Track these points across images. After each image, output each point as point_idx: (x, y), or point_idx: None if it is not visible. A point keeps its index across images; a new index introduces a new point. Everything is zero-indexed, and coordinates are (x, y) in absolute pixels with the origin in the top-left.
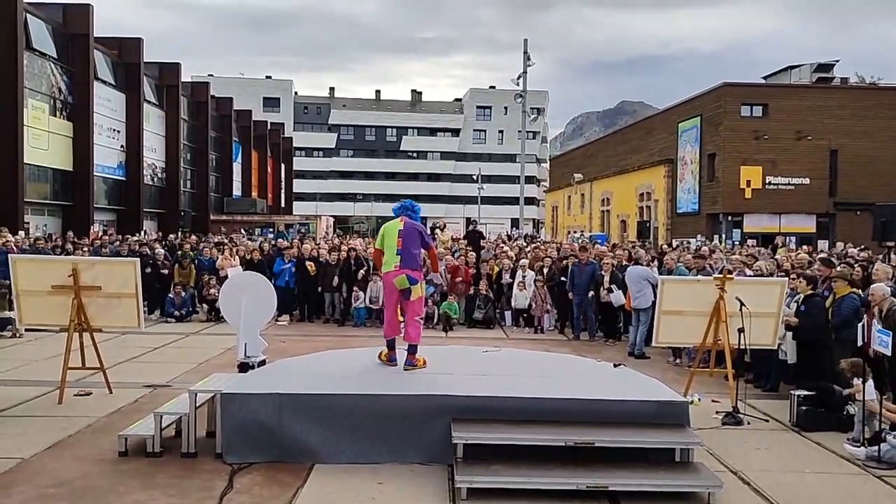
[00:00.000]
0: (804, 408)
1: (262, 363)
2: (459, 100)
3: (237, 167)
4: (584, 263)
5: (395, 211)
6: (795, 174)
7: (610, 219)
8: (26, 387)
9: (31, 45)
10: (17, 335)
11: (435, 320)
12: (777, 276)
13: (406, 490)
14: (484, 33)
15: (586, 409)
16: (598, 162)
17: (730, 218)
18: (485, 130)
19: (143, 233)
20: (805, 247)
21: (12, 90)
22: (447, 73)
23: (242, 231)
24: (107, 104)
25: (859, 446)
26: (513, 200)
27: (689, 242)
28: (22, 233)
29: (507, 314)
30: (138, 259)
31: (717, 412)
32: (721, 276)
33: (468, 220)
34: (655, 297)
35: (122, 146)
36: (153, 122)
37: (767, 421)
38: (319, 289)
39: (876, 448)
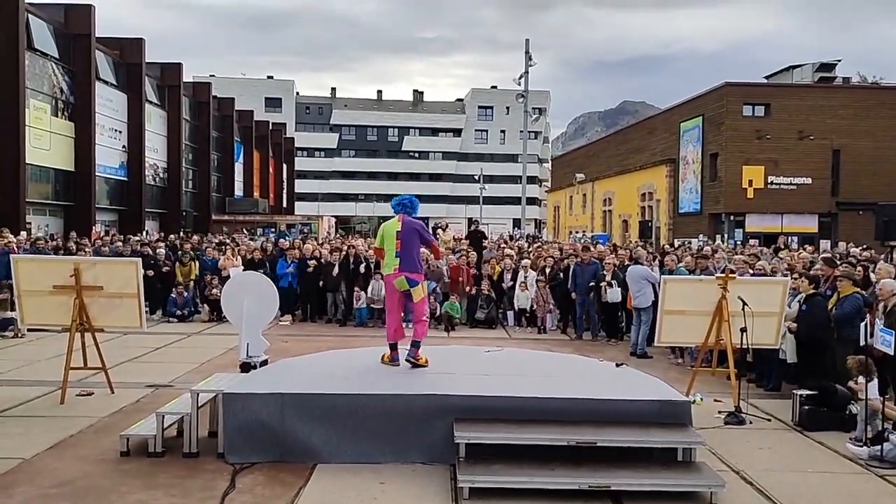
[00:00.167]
0: (807, 407)
1: (265, 363)
2: (461, 100)
3: (239, 167)
4: (586, 263)
5: (394, 207)
6: (797, 174)
7: (612, 219)
8: (28, 387)
9: (33, 45)
10: (19, 335)
11: (437, 320)
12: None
13: (408, 490)
14: (485, 33)
15: (589, 409)
16: (599, 162)
17: (732, 218)
18: (486, 130)
19: (144, 233)
20: (808, 247)
21: (14, 90)
22: (448, 73)
23: (244, 231)
24: (108, 104)
25: (862, 446)
26: (515, 200)
27: (690, 242)
28: (24, 233)
29: (510, 314)
30: (140, 259)
31: (719, 412)
32: (723, 275)
33: (470, 221)
34: (655, 296)
35: (123, 146)
36: (155, 122)
37: (770, 420)
38: (321, 283)
39: (878, 447)
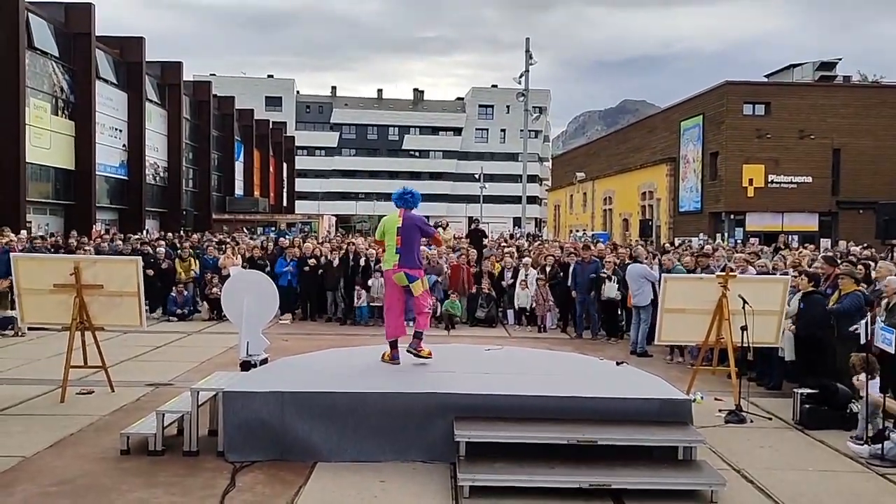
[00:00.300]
0: (807, 406)
1: (265, 361)
2: (461, 99)
3: (239, 166)
4: (587, 262)
5: (395, 201)
6: (798, 173)
7: (612, 218)
8: (28, 385)
9: (33, 44)
10: (20, 334)
11: (438, 319)
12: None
13: (408, 488)
14: (485, 33)
15: (589, 408)
16: (600, 161)
17: (732, 217)
18: (487, 129)
19: (145, 232)
20: (810, 245)
21: (14, 89)
22: (449, 72)
23: (245, 230)
24: (109, 103)
25: (863, 444)
26: (515, 199)
27: (691, 241)
28: (24, 232)
29: (510, 313)
30: (140, 257)
31: (720, 410)
32: (724, 274)
33: (470, 219)
34: (654, 294)
35: (124, 145)
36: (155, 121)
37: (770, 419)
38: (322, 278)
39: (879, 446)
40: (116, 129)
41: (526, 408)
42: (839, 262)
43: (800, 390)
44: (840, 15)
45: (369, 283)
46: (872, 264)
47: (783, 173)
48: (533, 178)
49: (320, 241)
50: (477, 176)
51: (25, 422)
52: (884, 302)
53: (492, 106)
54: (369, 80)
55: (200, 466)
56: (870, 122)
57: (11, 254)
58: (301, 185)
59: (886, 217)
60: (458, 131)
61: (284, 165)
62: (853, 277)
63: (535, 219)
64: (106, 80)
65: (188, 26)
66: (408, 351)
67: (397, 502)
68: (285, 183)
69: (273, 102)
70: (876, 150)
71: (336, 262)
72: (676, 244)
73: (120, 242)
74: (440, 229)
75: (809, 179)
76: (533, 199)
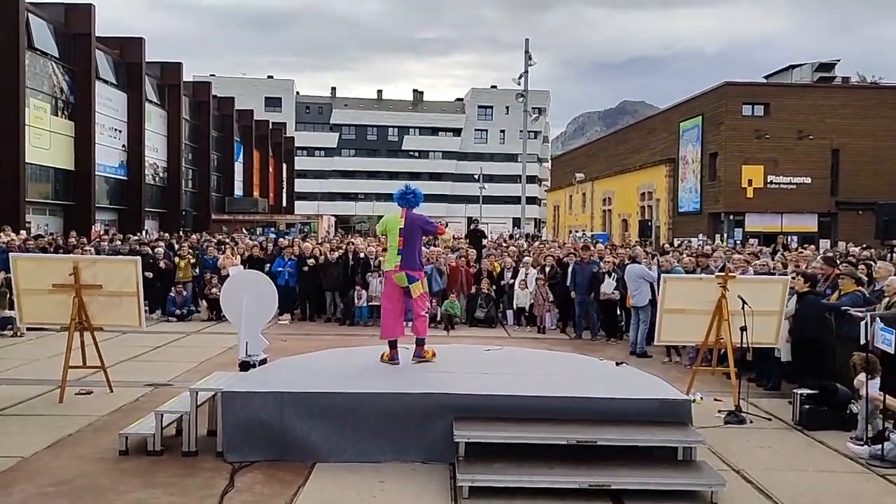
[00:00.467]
0: (807, 406)
1: (264, 362)
2: (461, 99)
3: (239, 167)
4: (586, 262)
5: (397, 200)
6: (797, 173)
7: (611, 218)
8: (27, 385)
9: (33, 44)
10: (18, 334)
11: (437, 319)
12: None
13: (408, 488)
14: (485, 33)
15: (588, 408)
16: (599, 161)
17: (731, 217)
18: (486, 130)
19: (144, 232)
20: (811, 246)
21: (14, 90)
22: (448, 72)
23: (244, 231)
24: (108, 104)
25: (862, 445)
26: (514, 200)
27: (690, 242)
28: (24, 232)
29: (509, 313)
30: (139, 257)
31: (719, 411)
32: (723, 274)
33: (470, 220)
34: (653, 295)
35: (123, 146)
36: (155, 121)
37: (770, 420)
38: (321, 279)
39: (879, 446)
40: (116, 130)
41: (525, 408)
42: (839, 262)
43: (799, 391)
44: (839, 16)
45: (368, 278)
46: (873, 265)
47: (782, 174)
48: (532, 179)
49: (319, 241)
50: (476, 176)
51: (24, 422)
52: (884, 302)
53: (491, 107)
54: (369, 80)
55: (199, 467)
56: (869, 123)
57: (10, 254)
58: (300, 185)
59: (886, 217)
60: (457, 132)
61: (284, 166)
62: (854, 278)
63: (535, 219)
64: (106, 81)
65: (188, 27)
66: (413, 361)
67: (396, 503)
68: (285, 183)
69: (273, 103)
70: (875, 150)
71: (335, 263)
72: (676, 245)
73: (118, 243)
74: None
75: (808, 180)
76: (532, 200)
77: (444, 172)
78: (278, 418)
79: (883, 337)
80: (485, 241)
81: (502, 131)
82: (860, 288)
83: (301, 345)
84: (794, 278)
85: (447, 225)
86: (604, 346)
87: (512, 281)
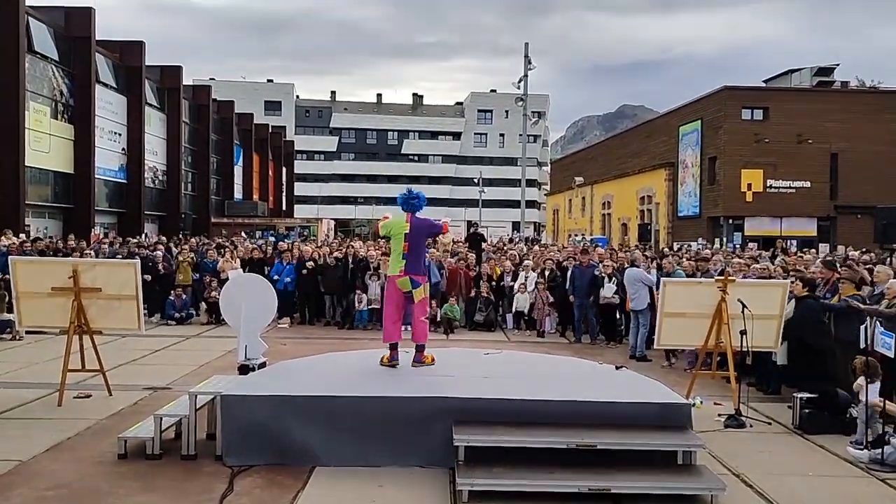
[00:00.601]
0: (807, 410)
1: (263, 365)
2: (460, 103)
3: (238, 170)
4: (585, 266)
5: (401, 205)
6: (796, 177)
7: (611, 222)
8: (26, 389)
9: (33, 48)
10: (17, 337)
11: (437, 321)
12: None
13: (407, 493)
14: (485, 38)
15: (588, 412)
16: (598, 165)
17: (731, 221)
18: (486, 134)
19: (144, 236)
20: (812, 250)
21: (14, 93)
22: (448, 77)
23: (243, 234)
24: (108, 107)
25: (862, 449)
26: (514, 204)
27: (690, 246)
28: (23, 235)
29: (509, 317)
30: (138, 260)
31: (719, 415)
32: (723, 278)
33: (469, 223)
34: (651, 298)
35: (123, 149)
36: (154, 125)
37: (770, 424)
38: (320, 282)
39: (879, 451)
40: (116, 133)
41: (525, 412)
42: (838, 266)
43: (799, 395)
44: (838, 21)
45: (367, 281)
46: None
47: (781, 178)
48: (532, 183)
49: (319, 244)
50: (476, 180)
51: (23, 425)
52: (883, 304)
53: (491, 110)
54: (369, 84)
55: (198, 470)
56: (868, 127)
57: (10, 257)
58: (300, 189)
59: (885, 221)
60: (457, 136)
61: (283, 169)
62: (854, 281)
63: (534, 223)
64: (106, 84)
65: (188, 30)
66: (413, 365)
67: None
68: (284, 187)
69: (272, 107)
70: (874, 154)
71: (334, 266)
72: (675, 248)
73: (116, 246)
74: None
75: (808, 184)
76: (532, 204)
77: (443, 176)
78: (277, 422)
79: (883, 341)
80: (484, 245)
81: (502, 135)
82: (860, 293)
83: (300, 348)
84: (792, 282)
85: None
86: (603, 350)
87: (511, 284)
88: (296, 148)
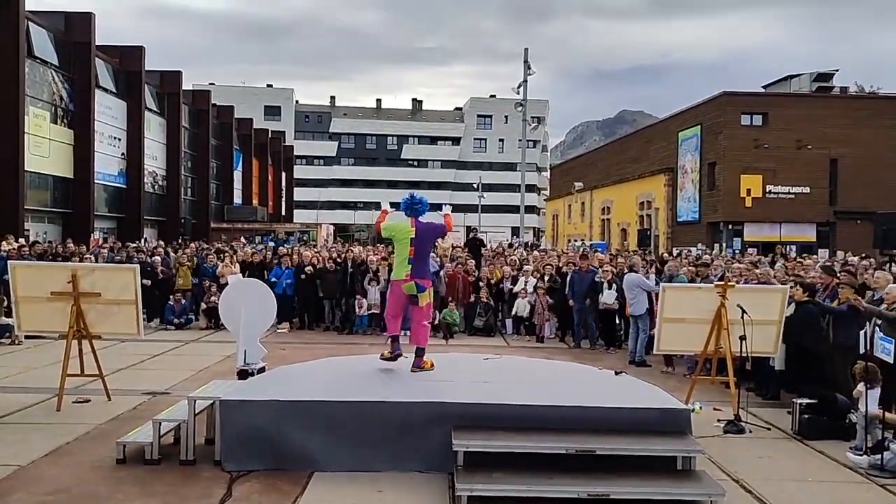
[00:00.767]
0: (806, 416)
1: (262, 370)
2: (460, 109)
3: (238, 175)
4: (584, 271)
5: (404, 210)
6: (796, 183)
7: (610, 227)
8: (25, 394)
9: (33, 52)
10: (16, 342)
11: (435, 324)
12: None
13: (406, 498)
14: (484, 43)
15: (587, 417)
16: (598, 170)
17: (730, 227)
18: (485, 139)
19: (143, 240)
20: (814, 256)
21: (14, 98)
22: (448, 82)
23: (242, 239)
24: (108, 112)
25: (862, 455)
26: (513, 209)
27: (689, 251)
28: (22, 240)
29: (508, 322)
30: (138, 265)
31: (718, 420)
32: (722, 283)
33: (468, 229)
34: (650, 304)
35: (122, 154)
36: (154, 129)
37: (769, 429)
38: (321, 294)
39: (879, 456)
40: (115, 138)
41: (524, 417)
42: (837, 271)
43: (799, 400)
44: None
45: (366, 286)
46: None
47: (781, 183)
48: (531, 188)
49: (317, 249)
50: (475, 185)
51: (21, 430)
52: (884, 305)
53: (490, 116)
54: (368, 90)
55: (197, 476)
56: (866, 133)
57: (9, 261)
58: (300, 194)
59: (885, 227)
60: (456, 141)
61: (283, 174)
62: (854, 287)
63: (534, 228)
64: (105, 89)
65: (188, 36)
66: (412, 371)
67: None
68: (284, 192)
69: (272, 112)
70: (873, 160)
71: (333, 271)
72: (674, 254)
73: (114, 252)
74: (438, 239)
75: (807, 189)
76: (531, 209)
77: (442, 181)
78: (276, 427)
79: (882, 346)
80: (483, 251)
81: (501, 140)
82: (861, 298)
83: (299, 353)
84: (792, 287)
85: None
86: (603, 355)
87: (511, 287)
88: (295, 153)
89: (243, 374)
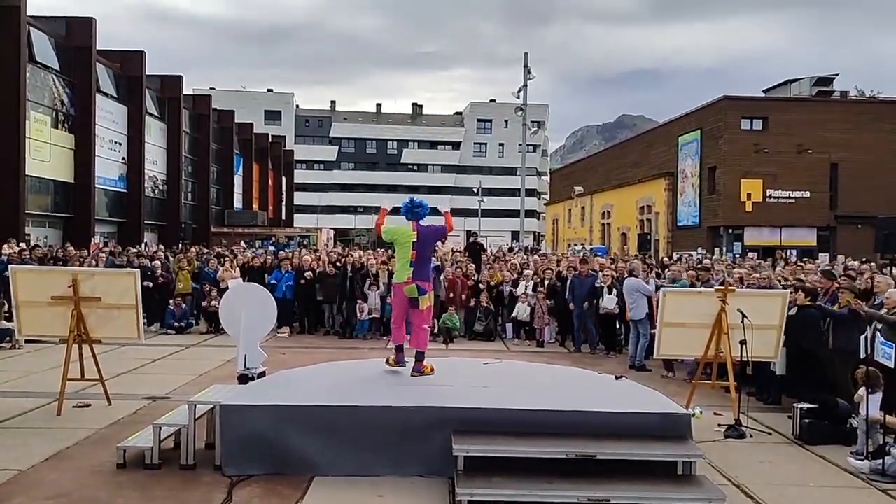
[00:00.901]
0: (807, 421)
1: (262, 375)
2: (460, 113)
3: (238, 179)
4: (584, 275)
5: (405, 214)
6: (796, 187)
7: (610, 232)
8: (25, 398)
9: (34, 57)
10: (17, 346)
11: (435, 331)
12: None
13: (406, 502)
14: (484, 48)
15: (588, 422)
16: (598, 175)
17: (730, 231)
18: (485, 143)
19: (143, 245)
20: (816, 261)
21: (15, 102)
22: (448, 86)
23: (243, 244)
24: (109, 116)
25: (863, 459)
26: (513, 213)
27: (690, 256)
28: (22, 244)
29: (508, 326)
30: (138, 270)
31: (719, 425)
32: (722, 288)
33: (468, 233)
34: (650, 308)
35: (123, 158)
36: (155, 134)
37: (770, 434)
38: (320, 298)
39: (880, 461)
40: (116, 143)
41: (524, 422)
42: (838, 276)
43: (800, 405)
44: (837, 31)
45: (366, 290)
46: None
47: (781, 188)
48: (531, 192)
49: (317, 253)
50: (475, 190)
51: (22, 435)
52: (884, 310)
53: (490, 120)
54: (368, 94)
55: (197, 480)
56: (867, 137)
57: (10, 265)
58: (300, 198)
59: (886, 231)
60: (456, 145)
61: (283, 179)
62: (854, 291)
63: (534, 232)
64: (106, 94)
65: (188, 40)
66: (412, 375)
67: None
68: (284, 196)
69: (272, 116)
70: (874, 164)
71: (333, 276)
72: (675, 258)
73: (115, 256)
74: (438, 243)
75: (807, 194)
76: (531, 213)
77: (443, 186)
78: (277, 432)
79: (883, 351)
80: (483, 255)
81: (501, 145)
82: (861, 303)
83: (300, 358)
84: (793, 292)
85: (445, 238)
86: (603, 360)
87: (511, 290)
88: (295, 157)
89: (243, 379)
